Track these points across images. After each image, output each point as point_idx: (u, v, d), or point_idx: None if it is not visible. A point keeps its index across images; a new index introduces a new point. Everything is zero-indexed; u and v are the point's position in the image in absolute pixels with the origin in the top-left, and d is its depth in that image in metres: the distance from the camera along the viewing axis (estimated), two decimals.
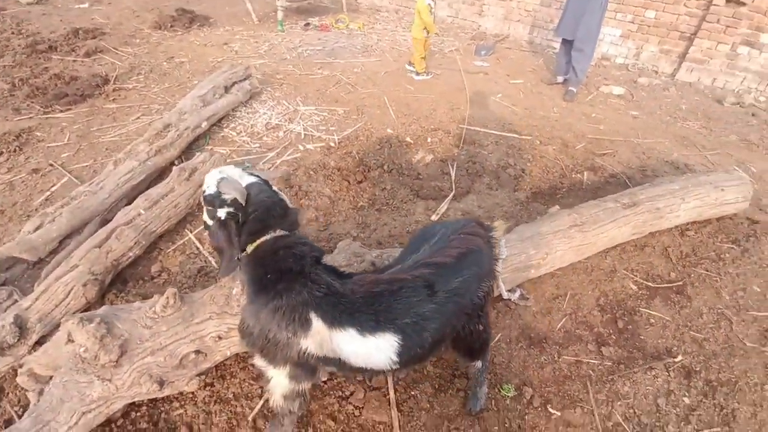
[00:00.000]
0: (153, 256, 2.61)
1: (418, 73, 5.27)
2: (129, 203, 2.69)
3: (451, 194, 3.32)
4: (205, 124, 3.67)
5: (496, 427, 1.91)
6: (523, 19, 7.26)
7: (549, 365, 2.20)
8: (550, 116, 4.63)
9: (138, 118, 4.09)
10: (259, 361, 1.48)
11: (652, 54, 6.28)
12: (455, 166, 3.63)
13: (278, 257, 1.40)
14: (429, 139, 3.94)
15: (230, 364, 1.99)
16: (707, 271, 2.79)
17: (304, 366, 1.43)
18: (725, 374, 2.21)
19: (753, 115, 5.16)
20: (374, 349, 1.34)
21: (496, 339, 2.31)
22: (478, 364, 1.87)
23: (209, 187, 1.44)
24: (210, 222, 1.47)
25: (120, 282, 2.44)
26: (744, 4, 5.27)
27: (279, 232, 1.45)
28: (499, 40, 7.12)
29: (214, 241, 1.49)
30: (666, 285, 2.70)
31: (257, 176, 1.55)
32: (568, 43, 5.05)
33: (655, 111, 5.09)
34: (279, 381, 1.48)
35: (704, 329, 2.44)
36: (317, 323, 1.33)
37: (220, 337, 1.70)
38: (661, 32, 6.09)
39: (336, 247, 2.02)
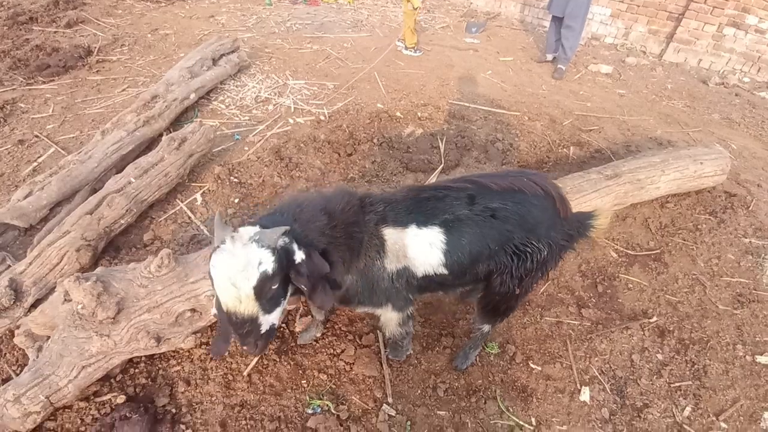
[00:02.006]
0: (145, 224, 2.63)
1: (406, 47, 5.21)
2: (118, 173, 2.69)
3: (440, 167, 3.37)
4: (193, 96, 3.63)
5: (480, 381, 2.01)
6: None
7: (531, 326, 2.31)
8: (538, 93, 4.67)
9: (123, 90, 4.02)
10: (366, 309, 1.70)
11: (640, 34, 6.32)
12: (444, 140, 3.68)
13: (339, 230, 1.44)
14: (419, 114, 3.96)
15: None
16: (684, 240, 2.92)
17: (399, 294, 1.60)
18: (697, 334, 2.34)
19: (736, 95, 5.27)
20: (428, 246, 1.50)
21: None
22: (486, 328, 1.90)
23: (264, 261, 1.19)
24: (302, 271, 1.28)
25: (113, 249, 2.46)
26: None
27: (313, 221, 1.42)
28: (491, 17, 7.08)
29: (313, 279, 1.31)
30: (645, 253, 2.82)
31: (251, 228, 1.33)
32: (558, 21, 5.05)
33: (641, 90, 5.17)
34: (389, 316, 1.71)
35: (679, 293, 2.57)
36: (389, 233, 1.49)
37: (213, 296, 1.75)
38: (650, 12, 6.12)
39: None
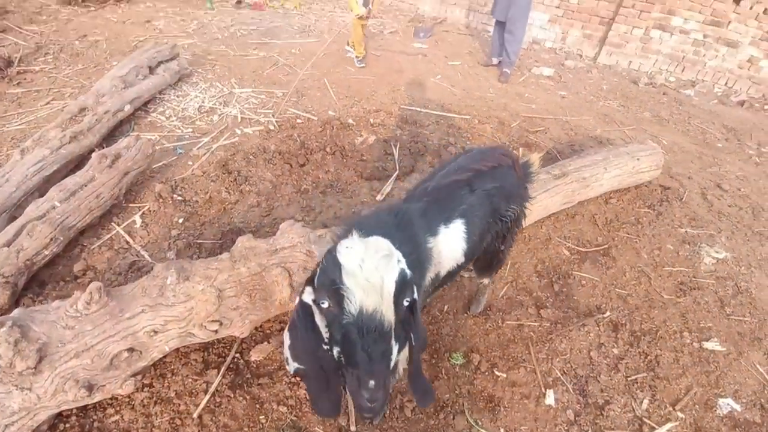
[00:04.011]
0: (75, 253, 2.37)
1: (355, 56, 5.08)
2: (41, 196, 2.41)
3: (395, 174, 3.33)
4: (128, 108, 3.36)
5: (447, 395, 1.98)
6: (459, 2, 7.39)
7: (494, 331, 2.31)
8: (486, 96, 4.78)
9: (48, 103, 3.66)
10: None
11: (576, 38, 6.67)
12: (398, 146, 3.65)
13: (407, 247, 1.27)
14: (371, 120, 3.91)
15: (170, 361, 1.87)
16: (628, 234, 3.07)
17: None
18: (647, 324, 2.45)
19: (664, 94, 5.68)
20: (454, 242, 1.54)
21: (444, 310, 2.38)
22: (486, 280, 2.26)
23: (402, 262, 1.05)
24: (417, 315, 1.13)
25: (36, 285, 2.19)
26: None
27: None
28: (437, 22, 7.20)
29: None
30: (594, 249, 2.93)
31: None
32: (502, 26, 5.21)
33: (580, 91, 5.44)
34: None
35: (627, 286, 2.68)
36: (431, 241, 1.45)
37: (155, 332, 1.59)
38: (584, 17, 6.48)
39: (278, 230, 1.95)
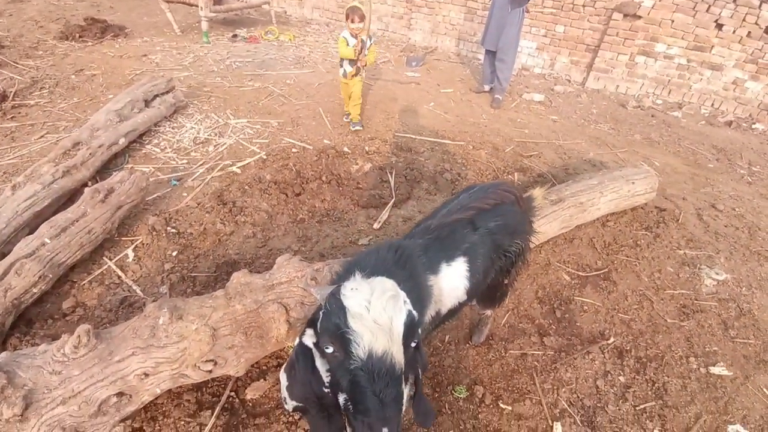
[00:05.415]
0: (64, 290, 2.31)
1: (353, 122, 4.28)
2: (32, 233, 2.36)
3: (392, 201, 3.33)
4: (123, 141, 3.36)
5: (452, 431, 1.90)
6: (449, 33, 7.61)
7: (497, 361, 2.25)
8: (479, 122, 4.85)
9: (42, 137, 3.66)
10: None
11: (564, 64, 6.86)
12: (394, 173, 3.66)
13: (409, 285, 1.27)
14: (366, 148, 3.94)
15: (162, 403, 1.79)
16: (627, 257, 3.05)
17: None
18: (652, 350, 2.40)
19: (652, 116, 5.80)
20: (456, 280, 1.52)
21: (446, 341, 2.32)
22: (489, 312, 2.25)
23: (408, 303, 1.03)
24: (422, 353, 1.12)
25: (24, 323, 2.12)
26: (639, 17, 5.95)
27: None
28: (429, 52, 7.39)
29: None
30: (594, 273, 2.90)
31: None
32: (491, 54, 5.35)
33: (571, 115, 5.55)
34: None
35: (630, 311, 2.64)
36: (432, 279, 1.43)
37: (146, 374, 1.52)
38: (570, 45, 6.68)
39: (275, 264, 1.92)
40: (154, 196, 3.05)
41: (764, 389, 2.24)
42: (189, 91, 4.71)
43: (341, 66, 4.04)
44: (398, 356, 0.95)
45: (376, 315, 0.94)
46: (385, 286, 1.01)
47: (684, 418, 2.05)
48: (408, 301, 1.03)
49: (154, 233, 2.69)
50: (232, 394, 1.91)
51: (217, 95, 4.71)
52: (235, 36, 6.93)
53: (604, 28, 6.26)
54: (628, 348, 2.40)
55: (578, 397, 2.11)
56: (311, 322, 1.09)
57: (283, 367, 1.18)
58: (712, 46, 5.79)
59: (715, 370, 2.29)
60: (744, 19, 5.48)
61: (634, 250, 3.11)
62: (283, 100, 4.75)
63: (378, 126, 4.38)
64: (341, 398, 1.00)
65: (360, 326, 0.93)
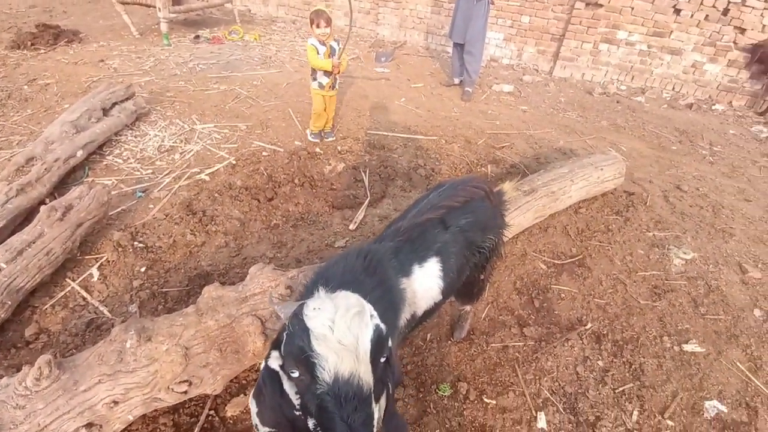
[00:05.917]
0: (25, 316, 2.19)
1: (312, 132, 3.99)
2: None
3: (367, 201, 3.30)
4: (81, 153, 3.20)
5: (438, 430, 1.90)
6: (417, 27, 7.59)
7: (479, 356, 2.26)
8: (451, 116, 4.86)
9: None
10: None
11: (531, 54, 6.95)
12: (368, 172, 3.62)
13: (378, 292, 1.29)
14: (339, 148, 3.89)
15: (136, 429, 1.71)
16: (600, 242, 3.12)
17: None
18: (628, 333, 2.46)
19: (618, 102, 5.95)
20: (429, 277, 1.51)
21: (427, 339, 2.32)
22: (468, 308, 2.26)
23: (375, 317, 1.00)
24: (393, 366, 1.07)
25: None
26: (601, 5, 6.08)
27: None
28: (398, 46, 7.35)
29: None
30: (569, 260, 2.95)
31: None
32: (460, 47, 5.36)
33: (540, 105, 5.63)
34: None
35: (605, 295, 2.70)
36: (404, 282, 1.42)
37: (116, 402, 1.45)
38: (536, 35, 6.77)
39: (248, 275, 1.86)
40: (119, 209, 2.92)
41: (737, 363, 2.32)
42: (151, 96, 4.53)
43: (314, 78, 3.69)
44: (366, 377, 0.91)
45: (341, 335, 0.91)
46: (349, 302, 0.98)
47: (661, 397, 2.11)
48: (375, 314, 1.00)
49: (120, 249, 2.58)
50: (212, 412, 1.85)
51: (181, 100, 4.55)
52: (197, 37, 6.71)
53: (568, 17, 6.36)
54: (605, 332, 2.45)
55: (560, 385, 2.15)
56: (276, 344, 1.04)
57: (252, 392, 1.14)
58: (671, 32, 5.97)
59: (688, 347, 2.37)
60: (702, 3, 5.67)
61: (606, 235, 3.19)
62: (251, 102, 4.63)
63: (350, 124, 4.33)
64: (310, 423, 0.96)
65: (324, 348, 0.89)
